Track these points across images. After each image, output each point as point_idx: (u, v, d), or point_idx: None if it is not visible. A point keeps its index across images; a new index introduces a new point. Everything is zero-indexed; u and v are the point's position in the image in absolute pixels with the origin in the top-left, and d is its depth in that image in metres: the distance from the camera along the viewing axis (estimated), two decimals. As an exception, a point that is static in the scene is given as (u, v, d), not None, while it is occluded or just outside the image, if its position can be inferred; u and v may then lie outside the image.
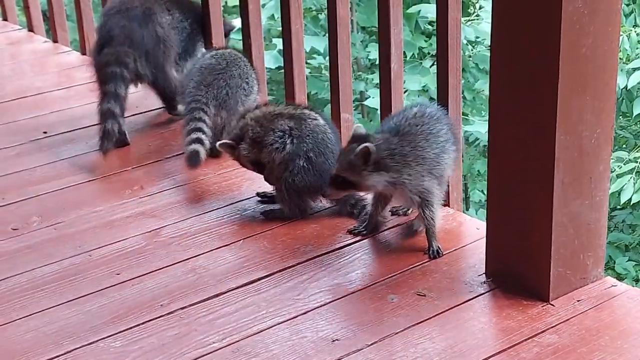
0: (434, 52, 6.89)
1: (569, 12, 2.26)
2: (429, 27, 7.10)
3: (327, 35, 6.67)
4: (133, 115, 3.75)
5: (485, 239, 2.67)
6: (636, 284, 7.10)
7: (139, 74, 3.53)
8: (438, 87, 2.92)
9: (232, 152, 3.01)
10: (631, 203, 6.54)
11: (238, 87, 3.33)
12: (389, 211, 2.94)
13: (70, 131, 3.65)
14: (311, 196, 2.96)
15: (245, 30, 3.52)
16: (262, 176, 3.01)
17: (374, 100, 6.53)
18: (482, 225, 2.86)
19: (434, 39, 7.02)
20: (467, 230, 2.90)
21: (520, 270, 2.56)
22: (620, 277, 6.79)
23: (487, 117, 6.55)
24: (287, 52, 3.36)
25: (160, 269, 2.75)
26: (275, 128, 2.92)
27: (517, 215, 2.53)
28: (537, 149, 2.42)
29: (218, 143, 3.04)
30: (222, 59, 3.36)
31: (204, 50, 3.66)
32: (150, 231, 2.95)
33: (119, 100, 3.44)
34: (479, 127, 6.61)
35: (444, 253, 2.76)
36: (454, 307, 2.53)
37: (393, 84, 3.04)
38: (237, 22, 3.75)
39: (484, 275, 2.64)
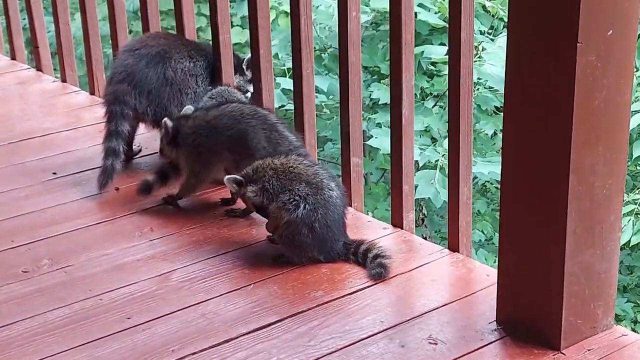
0: (436, 93, 6.96)
1: (582, 65, 2.29)
2: (432, 67, 7.13)
3: (329, 74, 6.75)
4: (142, 156, 3.76)
5: (495, 286, 2.68)
6: (634, 325, 7.10)
7: (138, 112, 3.56)
8: (449, 133, 2.94)
9: (237, 189, 3.03)
10: (630, 245, 6.56)
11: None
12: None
13: (79, 172, 3.65)
14: (312, 253, 2.97)
15: (257, 74, 3.55)
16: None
17: (376, 140, 6.56)
18: (492, 271, 2.88)
19: (436, 79, 7.06)
20: (477, 277, 2.91)
21: (532, 319, 2.57)
22: (619, 319, 6.79)
23: (488, 158, 6.55)
24: (297, 96, 3.39)
25: (170, 313, 2.75)
26: (293, 189, 2.92)
27: (529, 263, 2.54)
28: (550, 198, 2.43)
29: (226, 177, 3.05)
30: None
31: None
32: (160, 275, 2.95)
33: (121, 138, 3.49)
34: (481, 168, 6.63)
35: (454, 300, 2.77)
36: (465, 354, 2.53)
37: (404, 129, 3.07)
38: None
39: (494, 322, 2.64)
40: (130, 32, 6.90)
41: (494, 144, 6.90)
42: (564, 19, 2.27)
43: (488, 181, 7.25)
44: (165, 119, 3.35)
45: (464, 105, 2.89)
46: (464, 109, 2.89)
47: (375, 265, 2.90)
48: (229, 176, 3.03)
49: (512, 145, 2.50)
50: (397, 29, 2.97)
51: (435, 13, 6.39)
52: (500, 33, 6.69)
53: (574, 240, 2.44)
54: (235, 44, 7.31)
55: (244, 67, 3.73)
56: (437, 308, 2.74)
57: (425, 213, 7.17)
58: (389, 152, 5.99)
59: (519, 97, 2.44)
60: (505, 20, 6.62)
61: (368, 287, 2.85)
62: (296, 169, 2.96)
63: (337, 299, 2.80)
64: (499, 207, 6.86)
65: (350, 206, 3.26)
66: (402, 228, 3.17)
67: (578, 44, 2.26)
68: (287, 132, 3.22)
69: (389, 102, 6.30)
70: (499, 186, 7.12)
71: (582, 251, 2.47)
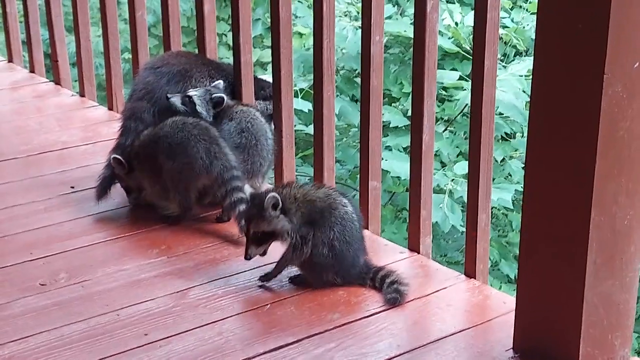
0: (447, 117, 6.98)
1: (608, 96, 2.30)
2: (442, 92, 7.15)
3: (340, 95, 6.77)
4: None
5: (512, 313, 2.68)
6: (639, 355, 7.09)
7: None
8: (469, 159, 2.96)
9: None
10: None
11: None
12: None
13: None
14: (329, 276, 2.97)
15: (277, 94, 3.56)
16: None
17: (386, 163, 6.57)
18: (509, 299, 2.89)
19: (447, 104, 7.09)
20: (493, 304, 2.92)
21: (549, 348, 2.57)
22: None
23: (497, 184, 6.56)
24: (317, 119, 3.40)
25: (187, 330, 2.75)
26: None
27: (548, 293, 2.55)
28: (571, 228, 2.44)
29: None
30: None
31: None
32: (177, 292, 2.96)
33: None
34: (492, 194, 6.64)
35: (470, 326, 2.78)
36: (482, 381, 2.55)
37: (424, 154, 3.08)
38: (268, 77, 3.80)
39: (511, 350, 2.65)
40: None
41: (503, 169, 6.91)
42: (591, 51, 2.29)
43: (495, 207, 7.27)
44: (113, 155, 3.43)
45: (485, 132, 2.91)
46: (485, 135, 2.91)
47: (391, 291, 2.90)
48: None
49: (535, 174, 2.51)
50: (420, 54, 2.99)
51: (449, 38, 6.42)
52: (512, 60, 6.71)
53: (594, 270, 2.44)
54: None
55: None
56: (454, 334, 2.74)
57: (432, 237, 7.16)
58: (398, 175, 6.03)
59: (544, 127, 2.45)
60: (518, 48, 6.65)
61: (384, 310, 2.85)
62: (311, 195, 2.95)
63: (353, 321, 2.80)
64: (507, 234, 6.79)
65: (367, 229, 3.28)
66: (418, 252, 3.18)
67: (604, 76, 2.28)
68: (227, 149, 3.29)
69: (400, 126, 6.34)
70: (506, 212, 7.12)
71: (602, 282, 2.48)
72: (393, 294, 2.89)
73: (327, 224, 2.91)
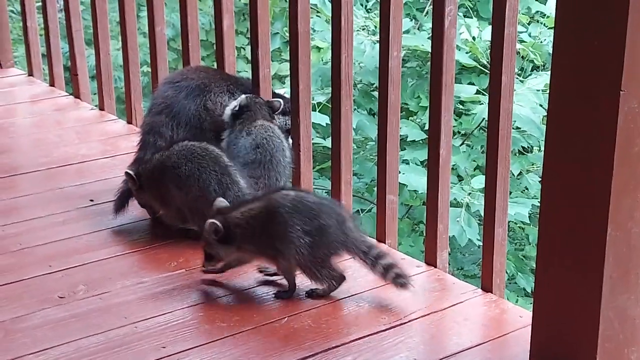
0: (464, 131, 6.98)
1: (624, 112, 2.31)
2: (460, 106, 7.17)
3: (358, 109, 6.79)
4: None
5: (528, 327, 2.69)
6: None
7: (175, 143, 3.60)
8: (486, 174, 2.97)
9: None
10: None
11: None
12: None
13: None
14: (331, 258, 2.96)
15: (295, 108, 3.58)
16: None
17: (403, 177, 6.58)
18: (525, 313, 2.90)
19: (464, 118, 7.10)
20: (509, 318, 2.92)
21: (565, 362, 2.58)
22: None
23: (514, 198, 6.55)
24: (335, 133, 3.42)
25: (205, 343, 2.77)
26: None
27: (564, 307, 2.56)
28: (587, 243, 2.45)
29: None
30: None
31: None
32: (195, 304, 2.98)
33: None
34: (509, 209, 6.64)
35: (487, 340, 2.78)
36: (498, 396, 2.55)
37: (441, 169, 3.09)
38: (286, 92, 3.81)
39: (528, 364, 2.66)
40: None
41: (520, 183, 6.92)
42: (607, 68, 2.30)
43: (512, 221, 7.27)
44: (126, 169, 3.44)
45: (502, 147, 2.92)
46: (502, 150, 2.92)
47: (398, 280, 2.92)
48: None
49: (551, 189, 2.52)
50: (437, 70, 3.01)
51: (467, 53, 6.43)
52: (530, 75, 6.72)
53: (610, 285, 2.45)
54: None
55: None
56: (470, 348, 2.75)
57: (449, 250, 7.16)
58: (416, 189, 6.04)
59: (560, 141, 2.46)
60: (535, 62, 6.65)
61: (402, 324, 2.86)
62: (250, 209, 2.96)
63: (370, 335, 2.81)
64: (523, 247, 6.78)
65: (384, 243, 3.29)
66: (435, 266, 3.19)
67: (621, 92, 2.29)
68: (238, 177, 3.26)
69: (417, 139, 6.35)
70: (523, 226, 7.12)
71: (617, 296, 2.48)
72: (401, 280, 2.91)
73: (286, 225, 2.89)
